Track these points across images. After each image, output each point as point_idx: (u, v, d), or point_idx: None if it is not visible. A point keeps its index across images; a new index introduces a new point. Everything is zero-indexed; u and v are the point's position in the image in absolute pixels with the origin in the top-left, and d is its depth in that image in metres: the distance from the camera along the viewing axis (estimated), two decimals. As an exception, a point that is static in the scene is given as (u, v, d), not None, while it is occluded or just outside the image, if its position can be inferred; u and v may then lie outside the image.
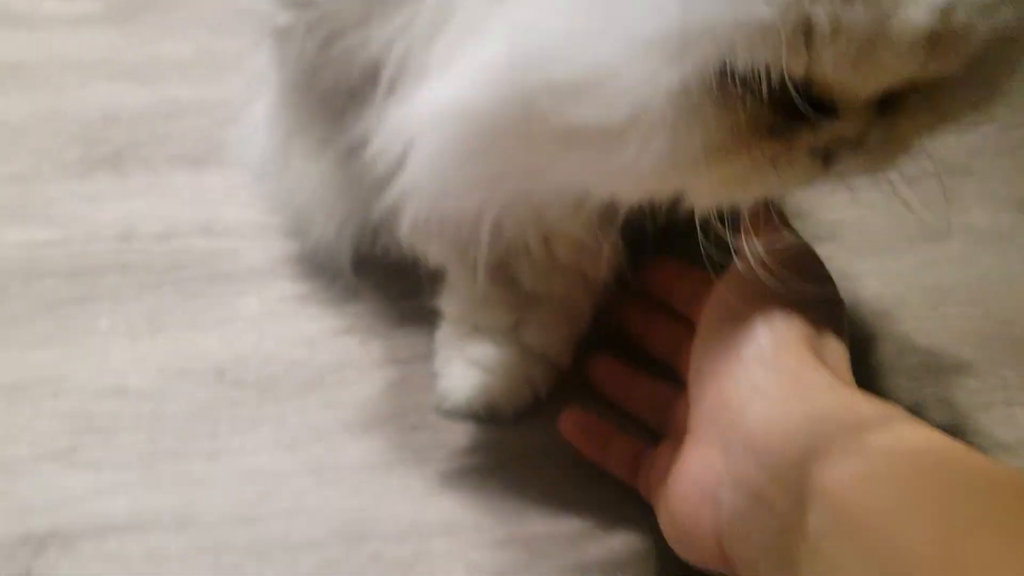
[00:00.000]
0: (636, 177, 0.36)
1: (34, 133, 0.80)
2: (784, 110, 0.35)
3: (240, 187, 0.74)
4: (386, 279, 0.65)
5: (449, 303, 0.58)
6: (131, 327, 0.62)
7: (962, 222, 0.72)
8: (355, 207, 0.59)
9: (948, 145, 0.78)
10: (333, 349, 0.60)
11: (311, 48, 0.50)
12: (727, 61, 0.33)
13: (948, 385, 0.59)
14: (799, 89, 0.34)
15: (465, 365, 0.56)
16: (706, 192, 0.38)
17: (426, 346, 0.60)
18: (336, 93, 0.52)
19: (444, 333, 0.58)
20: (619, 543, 0.49)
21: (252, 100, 0.73)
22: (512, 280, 0.55)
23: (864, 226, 0.71)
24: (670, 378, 0.53)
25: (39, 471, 0.53)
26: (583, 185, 0.40)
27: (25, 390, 0.58)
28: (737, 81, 0.33)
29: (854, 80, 0.34)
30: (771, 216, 0.43)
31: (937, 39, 0.33)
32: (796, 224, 0.47)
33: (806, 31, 0.32)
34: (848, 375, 0.40)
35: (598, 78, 0.34)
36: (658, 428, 0.52)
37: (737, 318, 0.41)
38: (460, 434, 0.55)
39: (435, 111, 0.38)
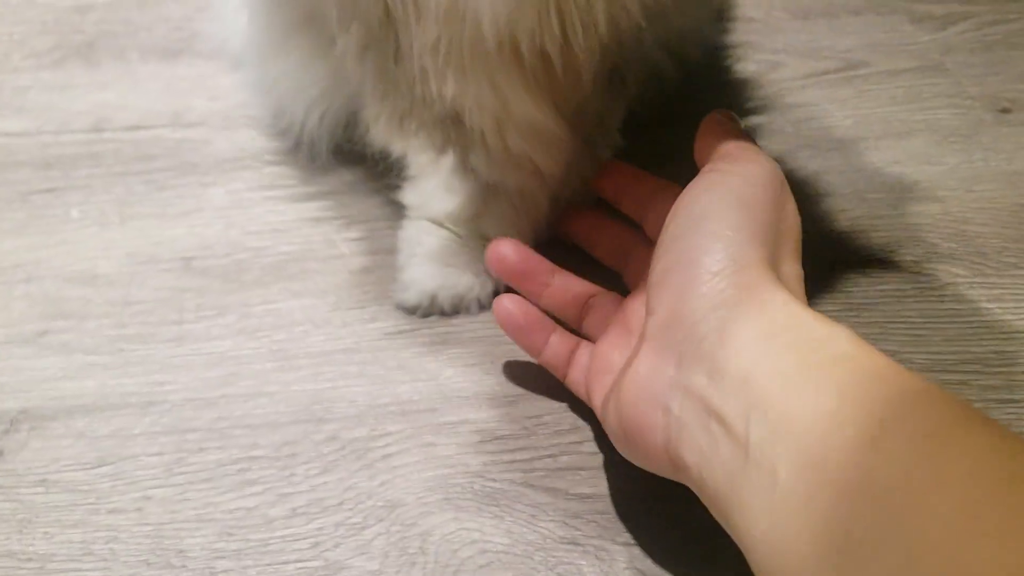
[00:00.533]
0: None
1: (5, 21, 0.80)
2: None
3: (211, 77, 0.75)
4: (355, 173, 0.66)
5: (411, 195, 0.58)
6: (102, 216, 0.63)
7: (930, 119, 0.73)
8: (335, 95, 0.60)
9: (922, 42, 0.78)
10: (297, 239, 0.62)
11: None
12: None
13: (903, 282, 0.60)
14: None
15: (426, 259, 0.57)
16: None
17: (390, 240, 0.61)
18: None
19: (407, 229, 0.59)
20: (571, 434, 0.51)
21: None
22: (471, 171, 0.55)
23: (829, 122, 0.72)
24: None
25: (10, 354, 0.55)
26: None
27: (-2, 276, 0.59)
28: None
29: None
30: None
31: None
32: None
33: None
34: (802, 295, 0.41)
35: None
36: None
37: (700, 230, 0.41)
38: (417, 323, 0.57)
39: None
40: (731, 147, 0.44)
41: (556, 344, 0.50)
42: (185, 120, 0.71)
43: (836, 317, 0.45)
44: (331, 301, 0.58)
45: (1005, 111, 0.74)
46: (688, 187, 0.43)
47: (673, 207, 0.43)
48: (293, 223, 0.63)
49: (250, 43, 0.67)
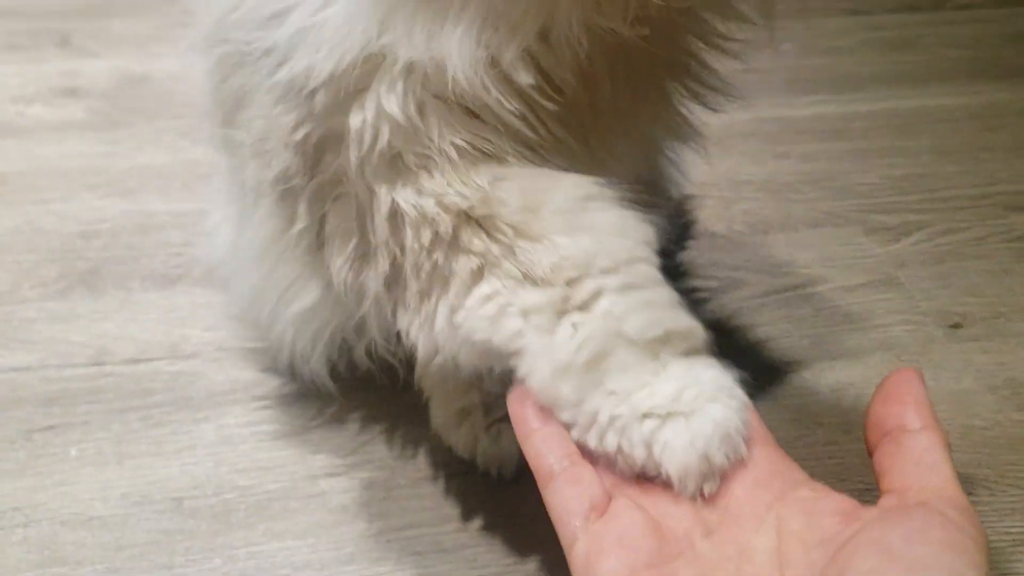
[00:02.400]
0: None
1: (16, 249, 0.86)
2: None
3: (206, 306, 0.80)
4: (341, 401, 0.70)
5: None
6: (99, 455, 0.67)
7: (883, 337, 0.77)
8: (328, 310, 0.62)
9: (876, 255, 0.83)
10: (282, 477, 0.65)
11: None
12: None
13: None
14: None
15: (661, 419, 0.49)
16: None
17: (370, 475, 0.64)
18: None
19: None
20: None
21: (214, 215, 0.77)
22: None
23: (787, 343, 0.76)
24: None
25: (7, 605, 0.58)
26: None
27: (-1, 519, 0.63)
28: None
29: None
30: None
31: None
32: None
33: None
34: None
35: None
36: None
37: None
38: (393, 565, 0.60)
39: None
40: (947, 479, 0.43)
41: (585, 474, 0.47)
42: (181, 352, 0.75)
43: None
44: (310, 543, 0.61)
45: (955, 327, 0.78)
46: (919, 523, 0.40)
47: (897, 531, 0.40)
48: (278, 459, 0.67)
49: (234, 258, 0.71)
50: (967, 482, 0.63)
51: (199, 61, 0.61)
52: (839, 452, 0.67)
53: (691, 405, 0.45)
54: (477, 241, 0.49)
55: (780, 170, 0.97)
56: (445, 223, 0.49)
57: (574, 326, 0.46)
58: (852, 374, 0.73)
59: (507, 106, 0.48)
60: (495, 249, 0.48)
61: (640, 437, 0.45)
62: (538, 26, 0.47)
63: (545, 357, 0.46)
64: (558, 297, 0.47)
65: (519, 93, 0.49)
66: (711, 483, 0.45)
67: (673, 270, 0.83)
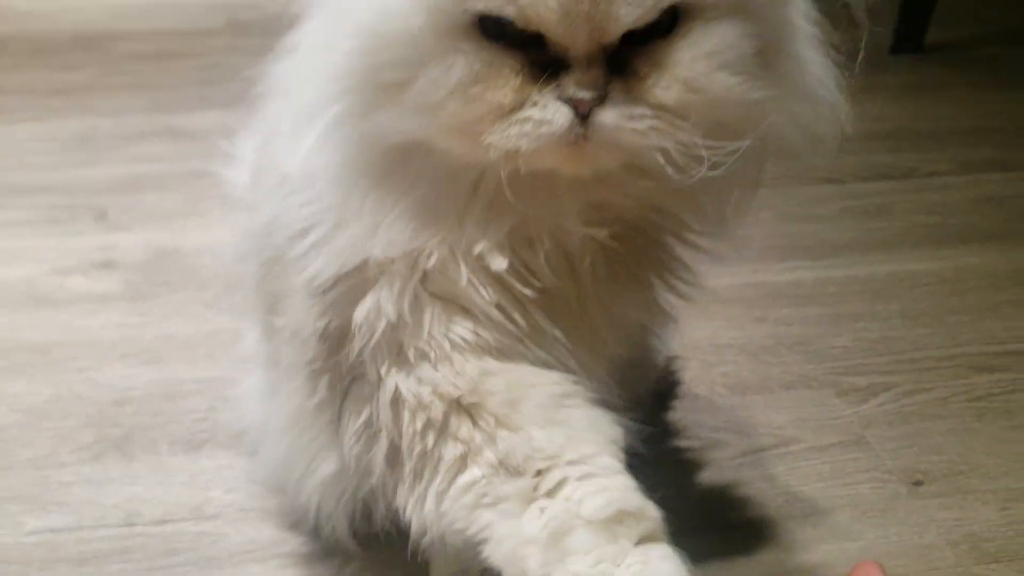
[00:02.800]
0: (429, 111, 0.49)
1: (54, 416, 0.94)
2: (525, 59, 0.48)
3: (229, 468, 0.87)
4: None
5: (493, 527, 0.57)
6: (126, 613, 0.73)
7: (851, 494, 0.83)
8: (351, 483, 0.68)
9: (846, 415, 0.89)
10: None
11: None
12: (467, 8, 0.47)
13: None
14: (529, 38, 0.47)
15: None
16: (479, 130, 0.49)
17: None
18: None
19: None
20: None
21: (240, 378, 0.86)
22: None
23: (762, 500, 0.82)
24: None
25: None
26: (416, 131, 0.52)
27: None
28: (489, 23, 0.47)
29: (558, 28, 0.46)
30: None
31: None
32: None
33: None
34: None
35: (391, 34, 0.48)
36: None
37: None
38: None
39: None
40: None
41: None
42: (205, 513, 0.82)
43: None
44: None
45: (918, 483, 0.84)
46: None
47: None
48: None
49: (264, 426, 0.79)
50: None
51: (249, 265, 0.70)
52: None
53: None
54: (464, 428, 0.56)
55: (758, 334, 1.05)
56: (437, 409, 0.57)
57: (540, 509, 0.53)
58: (822, 531, 0.79)
59: (483, 294, 0.57)
60: (478, 437, 0.56)
61: None
62: (507, 226, 0.56)
63: (512, 534, 0.53)
64: (528, 487, 0.54)
65: (497, 280, 0.57)
66: None
67: (660, 431, 0.90)
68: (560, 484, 0.53)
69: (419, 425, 0.58)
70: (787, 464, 0.87)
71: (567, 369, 0.60)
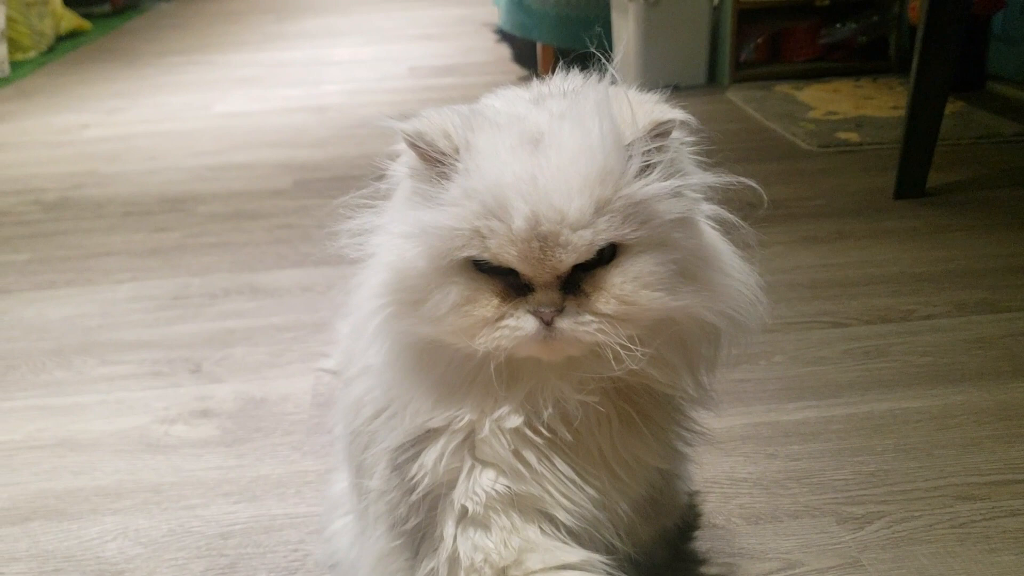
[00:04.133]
0: (436, 322, 0.68)
1: (171, 549, 1.11)
2: (505, 283, 0.67)
3: (320, 595, 1.03)
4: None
5: None
6: None
7: (848, 612, 0.98)
8: None
9: (845, 541, 1.04)
10: None
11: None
12: (454, 251, 0.66)
13: None
14: (506, 269, 0.66)
15: None
16: (473, 334, 0.68)
17: None
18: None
19: None
20: None
21: (331, 519, 1.03)
22: None
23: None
24: None
25: None
26: (429, 334, 0.70)
27: None
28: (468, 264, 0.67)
29: (520, 266, 0.66)
30: None
31: (541, 238, 0.65)
32: None
33: (478, 233, 0.66)
34: None
35: (406, 271, 0.69)
36: None
37: None
38: None
39: None
40: None
41: None
42: (301, 631, 0.98)
43: None
44: None
45: (906, 602, 0.99)
46: None
47: None
48: None
49: (354, 562, 0.96)
50: None
51: (340, 429, 0.89)
52: None
53: None
54: None
55: (771, 468, 1.21)
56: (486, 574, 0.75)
57: None
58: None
59: (504, 449, 0.75)
60: None
61: None
62: (522, 394, 0.74)
63: None
64: None
65: (516, 437, 0.75)
66: None
67: (683, 558, 1.05)
68: None
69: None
70: (792, 595, 1.02)
71: (592, 513, 0.77)
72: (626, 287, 0.68)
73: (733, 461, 1.22)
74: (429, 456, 0.77)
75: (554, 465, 0.77)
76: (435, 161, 0.70)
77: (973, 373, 1.41)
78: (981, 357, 1.45)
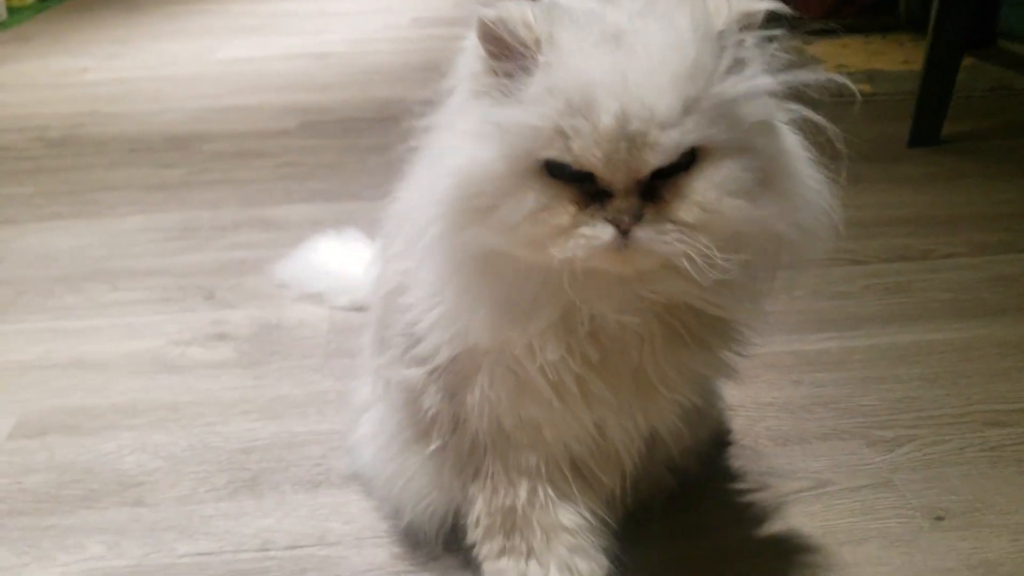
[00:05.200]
0: (509, 231, 0.65)
1: (192, 462, 1.10)
2: (580, 191, 0.64)
3: (344, 505, 1.02)
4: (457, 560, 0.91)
5: None
6: (272, 618, 0.88)
7: (881, 527, 0.96)
8: (436, 499, 0.89)
9: (875, 462, 1.03)
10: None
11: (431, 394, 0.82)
12: (534, 151, 0.63)
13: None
14: (583, 175, 0.63)
15: None
16: (546, 245, 0.65)
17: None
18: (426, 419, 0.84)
19: None
20: None
21: (356, 426, 1.02)
22: None
23: (802, 540, 0.96)
24: None
25: None
26: (498, 245, 0.67)
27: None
28: (553, 165, 0.63)
29: (602, 168, 0.62)
30: None
31: (629, 138, 0.61)
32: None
33: (561, 133, 0.62)
34: None
35: (479, 175, 0.65)
36: None
37: None
38: None
39: None
40: None
41: None
42: (328, 540, 0.97)
43: None
44: None
45: (939, 519, 0.98)
46: None
47: None
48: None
49: (371, 450, 0.96)
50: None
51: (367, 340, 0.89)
52: None
53: None
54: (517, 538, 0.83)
55: (796, 394, 1.20)
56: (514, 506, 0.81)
57: None
58: (857, 558, 0.92)
59: (549, 355, 0.73)
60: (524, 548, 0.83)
61: None
62: (559, 312, 0.72)
63: None
64: None
65: (563, 358, 0.74)
66: None
67: (711, 474, 1.04)
68: None
69: (499, 506, 0.83)
70: (824, 503, 1.00)
71: (625, 427, 0.79)
72: (709, 194, 0.64)
73: (757, 387, 1.21)
74: (483, 384, 0.77)
75: (591, 389, 0.76)
76: (511, 55, 0.65)
77: (995, 309, 1.40)
78: (1003, 294, 1.44)
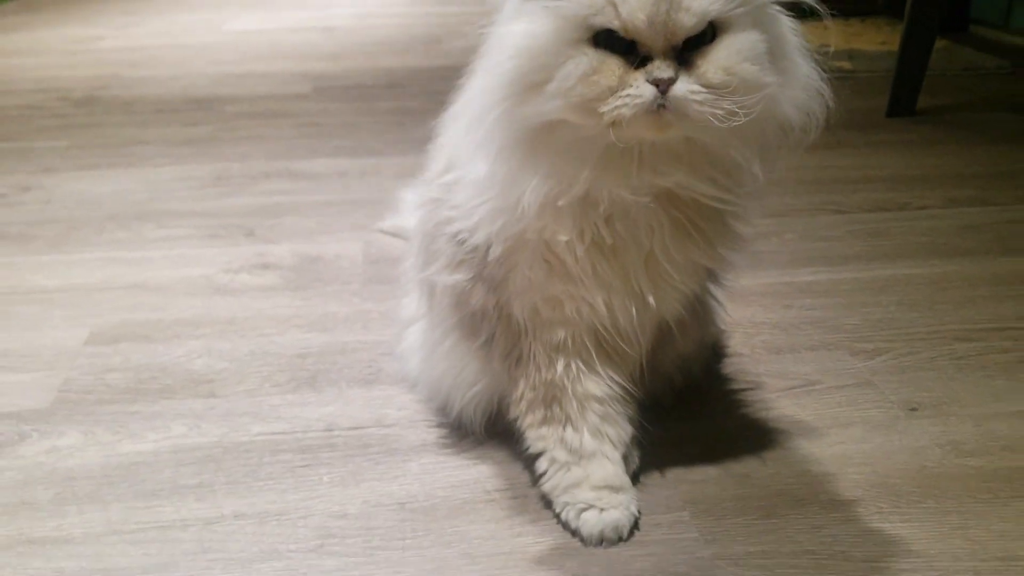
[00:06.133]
0: (565, 93, 0.77)
1: (255, 364, 1.23)
2: (624, 59, 0.76)
3: (396, 396, 1.16)
4: (501, 446, 1.05)
5: (549, 468, 0.98)
6: (342, 480, 1.02)
7: (864, 415, 1.12)
8: (486, 386, 1.03)
9: (858, 367, 1.17)
10: (465, 492, 0.99)
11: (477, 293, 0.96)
12: (587, 18, 0.76)
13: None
14: (626, 43, 0.76)
15: (587, 510, 0.95)
16: (596, 105, 0.77)
17: (524, 487, 0.99)
18: (474, 316, 0.98)
19: (551, 484, 0.98)
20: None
21: (403, 337, 1.16)
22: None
23: (796, 420, 1.11)
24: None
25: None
26: (553, 112, 0.79)
27: (275, 517, 0.96)
28: (600, 36, 0.76)
29: (645, 31, 0.75)
30: None
31: (669, 1, 0.74)
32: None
33: (611, 1, 0.75)
34: None
35: (537, 48, 0.78)
36: None
37: None
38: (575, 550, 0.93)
39: None
40: None
41: None
42: (384, 422, 1.11)
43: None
44: (490, 528, 0.94)
45: (913, 410, 1.13)
46: None
47: None
48: (462, 479, 1.01)
49: (420, 355, 1.10)
50: (921, 503, 0.97)
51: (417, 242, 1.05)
52: (826, 523, 0.96)
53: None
54: (555, 408, 0.97)
55: (787, 316, 1.35)
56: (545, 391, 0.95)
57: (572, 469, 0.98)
58: (842, 435, 1.08)
59: (561, 235, 0.87)
60: (559, 416, 0.98)
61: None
62: (583, 190, 0.85)
63: (553, 475, 0.98)
64: (573, 459, 0.97)
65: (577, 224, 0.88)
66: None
67: (714, 379, 1.19)
68: (587, 463, 0.97)
69: (540, 380, 0.97)
70: (813, 397, 1.16)
71: (631, 310, 0.93)
72: (731, 58, 0.77)
73: (753, 310, 1.36)
74: (518, 268, 0.91)
75: (612, 271, 0.90)
76: None
77: (966, 251, 1.56)
78: (973, 239, 1.60)
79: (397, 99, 2.43)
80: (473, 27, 0.86)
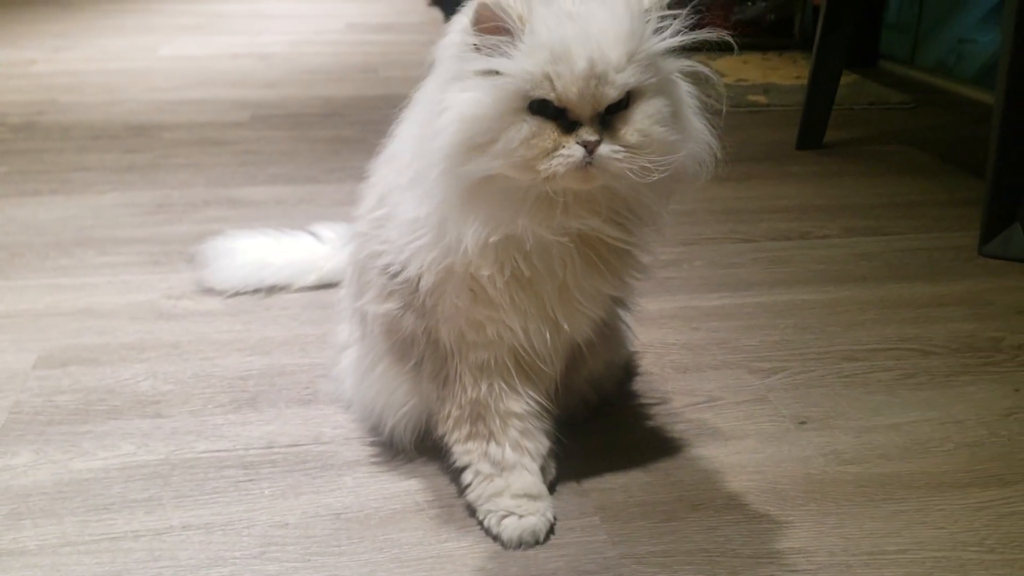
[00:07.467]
0: (507, 154, 0.88)
1: (199, 386, 1.31)
2: (556, 124, 0.88)
3: (332, 416, 1.25)
4: (430, 462, 1.15)
5: (474, 479, 1.08)
6: (283, 493, 1.10)
7: (757, 428, 1.24)
8: (413, 408, 1.13)
9: (755, 384, 1.29)
10: (396, 502, 1.09)
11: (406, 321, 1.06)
12: (527, 91, 0.87)
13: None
14: (558, 111, 0.87)
15: (507, 517, 1.05)
16: (534, 164, 0.88)
17: (451, 498, 1.09)
18: (404, 342, 1.07)
19: (475, 494, 1.08)
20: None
21: (338, 361, 1.25)
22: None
23: (697, 431, 1.23)
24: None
25: None
26: (495, 168, 0.89)
27: (220, 528, 1.05)
28: (536, 104, 0.87)
29: (576, 102, 0.87)
30: None
31: (596, 77, 0.86)
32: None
33: (547, 76, 0.86)
34: None
35: (482, 115, 0.88)
36: None
37: None
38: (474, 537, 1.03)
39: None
40: None
41: None
42: (321, 440, 1.20)
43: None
44: (418, 535, 1.04)
45: (803, 423, 1.26)
46: None
47: None
48: (393, 492, 1.10)
49: (353, 378, 1.20)
50: (804, 506, 1.09)
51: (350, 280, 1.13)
52: (719, 524, 1.08)
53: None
54: (480, 425, 1.07)
55: (694, 337, 1.47)
56: (471, 408, 1.05)
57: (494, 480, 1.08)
58: (739, 448, 1.20)
59: (484, 270, 0.98)
60: (484, 432, 1.08)
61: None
62: (514, 231, 0.95)
63: (477, 486, 1.08)
64: (495, 471, 1.07)
65: (505, 265, 0.98)
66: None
67: (625, 396, 1.31)
68: (508, 474, 1.07)
69: (466, 399, 1.07)
70: (714, 412, 1.28)
71: (553, 338, 1.04)
72: (645, 122, 0.90)
73: (663, 332, 1.48)
74: (446, 296, 1.02)
75: (516, 300, 1.01)
76: (498, 29, 0.89)
77: (858, 277, 1.70)
78: (865, 266, 1.75)
79: (334, 127, 2.52)
80: (409, 57, 0.96)
